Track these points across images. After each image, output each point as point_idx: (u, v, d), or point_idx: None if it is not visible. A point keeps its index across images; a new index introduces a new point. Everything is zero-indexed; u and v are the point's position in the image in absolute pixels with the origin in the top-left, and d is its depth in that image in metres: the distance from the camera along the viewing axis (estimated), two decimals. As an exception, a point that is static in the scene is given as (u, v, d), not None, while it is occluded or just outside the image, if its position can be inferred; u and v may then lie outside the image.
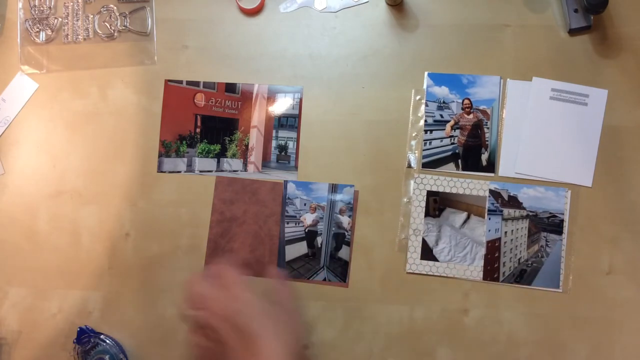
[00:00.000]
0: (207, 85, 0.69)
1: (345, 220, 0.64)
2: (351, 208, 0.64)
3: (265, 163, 0.67)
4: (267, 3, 0.70)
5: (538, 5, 0.67)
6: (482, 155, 0.65)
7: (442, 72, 0.67)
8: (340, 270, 0.63)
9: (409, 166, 0.66)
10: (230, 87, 0.68)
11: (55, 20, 0.71)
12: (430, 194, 0.65)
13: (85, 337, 0.63)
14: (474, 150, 0.66)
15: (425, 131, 0.66)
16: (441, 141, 0.66)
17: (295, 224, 0.64)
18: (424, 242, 0.64)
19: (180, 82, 0.69)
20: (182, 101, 0.68)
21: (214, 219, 0.65)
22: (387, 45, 0.68)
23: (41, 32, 0.71)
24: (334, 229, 0.64)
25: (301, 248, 0.64)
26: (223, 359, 0.49)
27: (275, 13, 0.70)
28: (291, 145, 0.67)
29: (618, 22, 0.66)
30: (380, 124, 0.67)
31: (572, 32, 0.66)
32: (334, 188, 0.64)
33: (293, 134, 0.67)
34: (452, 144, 0.66)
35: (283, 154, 0.67)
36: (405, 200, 0.65)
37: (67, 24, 0.71)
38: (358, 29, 0.69)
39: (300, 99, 0.67)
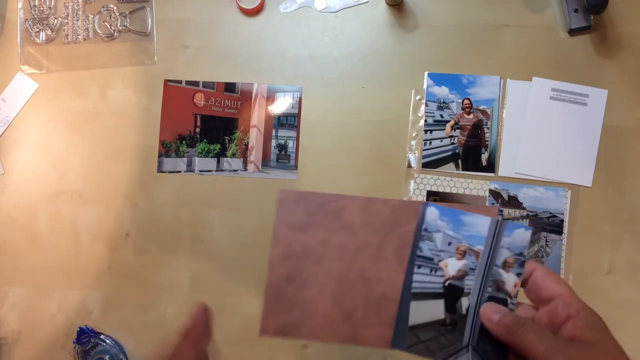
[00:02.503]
0: (206, 85, 0.69)
1: (510, 279, 0.40)
2: (522, 262, 0.40)
3: (265, 162, 0.67)
4: (267, 3, 0.70)
5: (538, 5, 0.67)
6: (482, 155, 0.65)
7: (442, 72, 0.67)
8: (493, 357, 0.39)
9: (409, 166, 0.66)
10: (229, 87, 0.68)
11: (55, 20, 0.71)
12: (430, 194, 0.65)
13: (85, 337, 0.63)
14: (474, 150, 0.66)
15: (425, 131, 0.66)
16: (441, 141, 0.66)
17: (431, 271, 0.41)
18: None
19: (180, 82, 0.69)
20: (181, 101, 0.68)
21: (276, 253, 0.42)
22: (387, 45, 0.68)
23: (41, 32, 0.71)
24: (490, 290, 0.40)
25: (435, 310, 0.41)
26: None
27: (275, 13, 0.70)
28: (291, 144, 0.67)
29: (618, 22, 0.66)
30: (380, 124, 0.67)
31: (572, 32, 0.66)
32: (499, 226, 0.40)
33: (293, 133, 0.67)
34: (452, 144, 0.66)
35: (283, 153, 0.67)
36: (405, 200, 0.65)
37: (67, 24, 0.71)
38: (358, 29, 0.69)
39: (300, 98, 0.67)
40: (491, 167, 0.65)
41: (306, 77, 0.68)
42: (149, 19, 0.70)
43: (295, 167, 0.67)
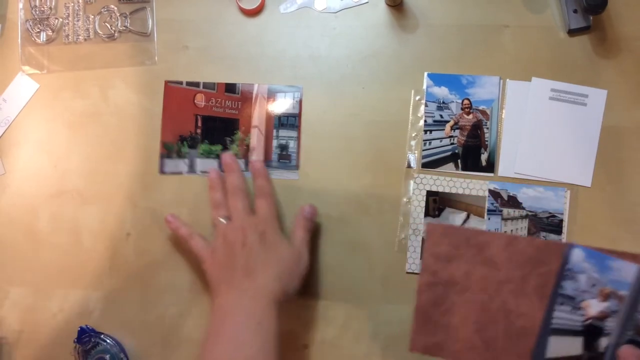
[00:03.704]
0: (207, 85, 0.69)
1: None
2: None
3: (267, 163, 0.67)
4: (267, 3, 0.70)
5: (537, 6, 0.67)
6: (482, 155, 0.66)
7: (442, 72, 0.67)
8: None
9: (409, 166, 0.66)
10: (230, 88, 0.69)
11: (56, 21, 0.71)
12: (429, 194, 0.65)
13: (86, 337, 0.64)
14: (473, 150, 0.66)
15: (425, 131, 0.66)
16: (441, 141, 0.66)
17: (572, 309, 0.43)
18: (423, 242, 0.65)
19: (180, 82, 0.69)
20: (182, 102, 0.69)
21: (423, 281, 0.47)
22: (387, 45, 0.68)
23: (42, 33, 0.71)
24: (630, 333, 0.41)
25: (573, 346, 0.42)
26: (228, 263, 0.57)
27: (275, 13, 0.70)
28: (292, 144, 0.67)
29: (617, 22, 0.66)
30: (380, 124, 0.67)
31: (572, 32, 0.66)
32: None
33: (294, 133, 0.67)
34: (452, 144, 0.66)
35: (284, 153, 0.67)
36: (404, 200, 0.65)
37: (68, 25, 0.71)
38: (358, 30, 0.69)
39: (300, 99, 0.68)
40: (491, 167, 0.65)
41: (306, 78, 0.68)
42: (150, 20, 0.70)
43: (297, 167, 0.67)
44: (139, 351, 0.65)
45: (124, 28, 0.71)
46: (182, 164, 0.68)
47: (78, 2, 0.71)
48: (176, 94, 0.69)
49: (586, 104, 0.65)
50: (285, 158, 0.67)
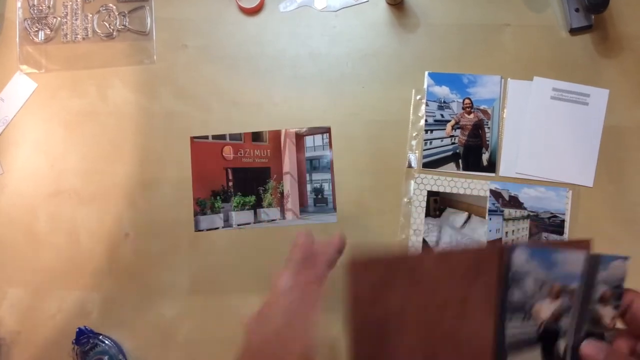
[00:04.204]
0: (233, 137, 0.67)
1: (607, 313, 0.38)
2: (619, 295, 0.38)
3: (303, 209, 0.66)
4: (266, 3, 0.70)
5: (538, 5, 0.67)
6: (483, 155, 0.65)
7: (443, 71, 0.66)
8: None
9: (410, 166, 0.66)
10: (256, 136, 0.67)
11: (54, 20, 0.71)
12: (430, 194, 0.65)
13: (84, 338, 0.63)
14: (474, 150, 0.65)
15: (426, 131, 0.66)
16: (442, 141, 0.66)
17: (523, 319, 0.37)
18: (424, 242, 0.64)
19: (206, 137, 0.67)
20: (210, 156, 0.67)
21: (353, 335, 0.40)
22: (388, 44, 0.68)
23: (40, 32, 0.71)
24: (586, 326, 0.38)
25: (533, 357, 0.38)
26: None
27: (275, 12, 0.69)
28: (326, 187, 0.66)
29: (619, 21, 0.66)
30: (381, 124, 0.66)
31: (573, 31, 0.66)
32: (593, 262, 0.37)
33: (327, 176, 0.66)
34: (453, 143, 0.66)
35: (320, 197, 0.66)
36: (405, 200, 0.65)
37: (66, 24, 0.71)
38: (358, 29, 0.68)
39: (330, 138, 0.66)
40: (492, 167, 0.65)
41: (306, 77, 0.68)
42: (148, 19, 0.70)
43: (334, 209, 0.66)
44: (137, 352, 0.65)
45: (123, 27, 0.70)
46: (217, 219, 0.67)
47: (76, 1, 0.71)
48: (203, 149, 0.67)
49: (588, 103, 0.65)
50: (322, 202, 0.66)
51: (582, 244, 0.38)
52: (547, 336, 0.37)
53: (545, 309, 0.37)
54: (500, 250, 0.36)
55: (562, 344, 0.37)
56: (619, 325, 0.37)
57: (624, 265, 0.37)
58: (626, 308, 0.36)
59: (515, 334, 0.36)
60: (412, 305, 0.38)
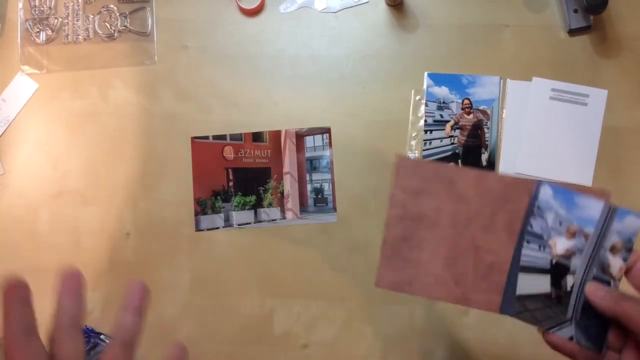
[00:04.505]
0: (233, 137, 0.68)
1: (616, 263, 0.42)
2: (630, 248, 0.41)
3: (303, 208, 0.67)
4: (267, 3, 0.70)
5: (537, 6, 0.67)
6: (482, 155, 0.65)
7: (442, 72, 0.67)
8: (594, 332, 0.42)
9: (409, 166, 0.66)
10: (257, 137, 0.68)
11: (56, 21, 0.71)
12: (430, 194, 0.65)
13: (85, 337, 0.63)
14: (473, 150, 0.66)
15: (425, 131, 0.66)
16: (441, 141, 0.66)
17: (539, 248, 0.42)
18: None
19: (207, 137, 0.68)
20: (211, 157, 0.68)
21: (393, 214, 0.44)
22: (387, 45, 0.68)
23: (41, 33, 0.71)
24: (595, 271, 0.42)
25: (541, 284, 0.43)
26: None
27: (275, 13, 0.70)
28: (326, 187, 0.66)
29: (618, 22, 0.66)
30: (380, 124, 0.67)
31: (572, 32, 0.66)
32: (611, 211, 0.41)
33: (327, 176, 0.67)
34: (452, 144, 0.66)
35: (320, 197, 0.66)
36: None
37: (68, 24, 0.71)
38: (358, 29, 0.69)
39: (330, 138, 0.67)
40: (491, 167, 0.65)
41: (306, 77, 0.68)
42: (149, 19, 0.70)
43: (334, 209, 0.66)
44: (137, 352, 0.65)
45: (124, 28, 0.71)
46: (218, 219, 0.67)
47: (78, 1, 0.71)
48: (204, 149, 0.68)
49: (587, 103, 0.65)
50: (322, 202, 0.67)
51: (603, 194, 0.41)
52: (558, 269, 0.42)
53: (560, 244, 0.42)
54: (531, 184, 0.42)
55: (569, 280, 0.42)
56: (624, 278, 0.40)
57: (638, 222, 0.40)
58: (632, 265, 0.39)
59: (530, 259, 0.42)
60: (446, 209, 0.43)
